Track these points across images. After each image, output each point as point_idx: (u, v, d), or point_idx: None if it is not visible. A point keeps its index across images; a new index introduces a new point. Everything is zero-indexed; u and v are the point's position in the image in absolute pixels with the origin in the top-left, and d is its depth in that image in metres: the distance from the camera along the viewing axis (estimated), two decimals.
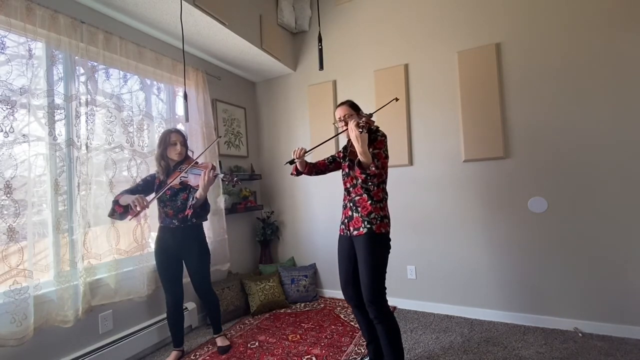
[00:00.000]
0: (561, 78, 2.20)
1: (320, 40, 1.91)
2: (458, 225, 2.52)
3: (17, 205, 1.59)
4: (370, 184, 1.61)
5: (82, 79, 1.90)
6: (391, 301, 2.51)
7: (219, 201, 2.71)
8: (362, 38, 2.92)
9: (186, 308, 2.41)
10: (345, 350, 2.08)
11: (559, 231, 2.21)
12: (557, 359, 1.86)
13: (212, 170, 1.88)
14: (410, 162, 2.69)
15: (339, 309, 2.77)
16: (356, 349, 2.10)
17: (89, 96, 1.92)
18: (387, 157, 1.67)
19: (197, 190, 1.93)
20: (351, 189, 1.72)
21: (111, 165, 2.04)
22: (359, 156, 1.52)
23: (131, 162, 2.16)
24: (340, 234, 1.79)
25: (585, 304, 2.15)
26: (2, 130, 1.56)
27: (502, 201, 2.37)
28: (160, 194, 1.93)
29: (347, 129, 1.69)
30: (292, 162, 1.85)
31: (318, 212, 3.13)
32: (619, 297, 2.06)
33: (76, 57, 1.88)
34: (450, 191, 2.55)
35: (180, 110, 2.64)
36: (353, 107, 1.78)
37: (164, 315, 2.17)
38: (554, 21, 2.22)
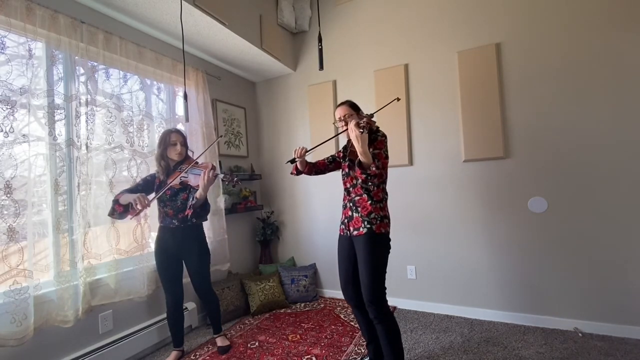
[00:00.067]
0: (561, 78, 2.20)
1: (320, 40, 1.91)
2: (458, 225, 2.52)
3: (17, 205, 1.59)
4: (370, 184, 1.61)
5: (82, 79, 1.90)
6: (391, 301, 2.51)
7: (219, 201, 2.71)
8: (362, 38, 2.92)
9: (186, 308, 2.41)
10: (345, 350, 2.08)
11: (559, 231, 2.21)
12: (557, 359, 1.86)
13: (212, 170, 1.88)
14: (410, 162, 2.69)
15: (339, 309, 2.77)
16: (356, 349, 2.10)
17: (89, 96, 1.92)
18: (387, 157, 1.67)
19: (197, 190, 1.93)
20: (351, 189, 1.72)
21: (111, 165, 2.04)
22: (360, 156, 1.52)
23: (131, 162, 2.16)
24: (340, 234, 1.79)
25: (585, 304, 2.15)
26: (2, 130, 1.56)
27: (502, 201, 2.37)
28: (160, 193, 1.93)
29: (347, 129, 1.69)
30: (293, 161, 1.85)
31: (318, 212, 3.13)
32: (619, 297, 2.06)
33: (76, 57, 1.88)
34: (450, 191, 2.55)
35: (180, 110, 2.64)
36: (353, 107, 1.78)
37: (164, 315, 2.17)
38: (554, 21, 2.22)
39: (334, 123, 1.87)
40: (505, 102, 2.36)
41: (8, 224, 1.55)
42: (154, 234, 2.11)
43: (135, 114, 2.22)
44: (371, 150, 1.59)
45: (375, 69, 2.84)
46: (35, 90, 1.69)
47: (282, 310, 2.80)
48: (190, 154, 2.14)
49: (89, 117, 1.90)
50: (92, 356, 1.83)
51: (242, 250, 3.21)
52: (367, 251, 1.60)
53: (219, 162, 2.85)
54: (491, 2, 2.41)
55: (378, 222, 1.62)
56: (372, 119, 1.55)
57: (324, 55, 2.07)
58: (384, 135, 1.70)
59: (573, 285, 2.18)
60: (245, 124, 3.31)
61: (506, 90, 2.36)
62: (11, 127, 1.59)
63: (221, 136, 2.95)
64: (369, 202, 1.64)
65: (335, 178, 2.84)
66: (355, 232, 1.66)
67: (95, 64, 1.99)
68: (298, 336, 2.31)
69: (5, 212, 1.56)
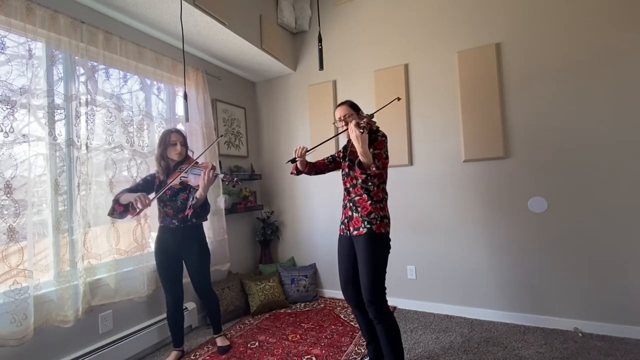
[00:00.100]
0: (561, 78, 2.20)
1: (320, 40, 1.91)
2: (458, 225, 2.52)
3: (17, 205, 1.59)
4: (370, 184, 1.61)
5: (82, 79, 1.90)
6: (391, 301, 2.51)
7: (219, 201, 2.71)
8: (362, 38, 2.92)
9: (186, 308, 2.41)
10: (345, 350, 2.08)
11: (559, 231, 2.21)
12: (557, 359, 1.86)
13: (212, 170, 1.88)
14: (410, 162, 2.69)
15: (339, 309, 2.77)
16: (356, 349, 2.10)
17: (89, 96, 1.92)
18: (387, 157, 1.67)
19: (197, 190, 1.93)
20: (351, 189, 1.72)
21: (111, 165, 2.04)
22: (360, 156, 1.52)
23: (131, 162, 2.16)
24: (340, 234, 1.79)
25: (585, 304, 2.15)
26: (2, 130, 1.56)
27: (502, 201, 2.37)
28: (161, 193, 1.93)
29: (347, 129, 1.69)
30: (293, 160, 1.85)
31: (318, 212, 3.13)
32: (619, 297, 2.06)
33: (76, 57, 1.88)
34: (450, 191, 2.55)
35: (180, 110, 2.64)
36: (353, 107, 1.78)
37: (164, 315, 2.17)
38: (554, 21, 2.22)
39: (334, 123, 1.87)
40: (505, 102, 2.36)
41: (8, 224, 1.55)
42: (154, 234, 2.11)
43: (135, 114, 2.22)
44: (371, 150, 1.59)
45: (375, 69, 2.84)
46: (35, 90, 1.69)
47: (282, 310, 2.80)
48: (190, 154, 2.14)
49: (89, 117, 1.90)
50: (92, 356, 1.83)
51: (242, 250, 3.21)
52: (367, 251, 1.60)
53: (219, 162, 2.85)
54: (491, 2, 2.41)
55: (378, 222, 1.62)
56: (373, 119, 1.55)
57: (324, 55, 2.08)
58: (384, 136, 1.70)
59: (573, 285, 2.18)
60: (245, 124, 3.31)
61: (506, 90, 2.36)
62: (11, 127, 1.59)
63: (222, 136, 2.95)
64: (369, 202, 1.64)
65: (335, 178, 2.84)
66: (355, 232, 1.66)
67: (95, 64, 1.99)
68: (298, 336, 2.31)
69: (5, 212, 1.56)
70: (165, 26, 2.30)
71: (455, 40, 2.53)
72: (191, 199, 1.95)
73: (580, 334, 2.10)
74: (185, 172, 1.94)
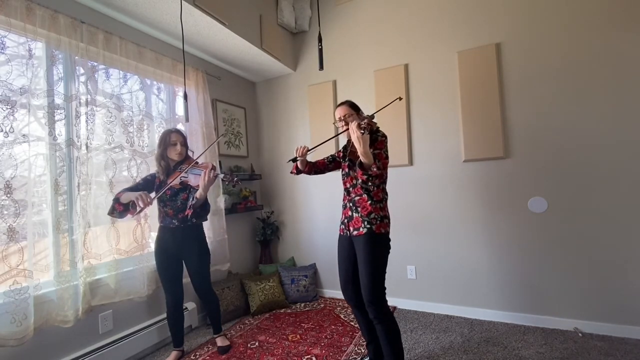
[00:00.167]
0: (561, 78, 2.20)
1: (320, 40, 1.91)
2: (458, 225, 2.52)
3: (17, 205, 1.59)
4: (370, 184, 1.61)
5: (82, 79, 1.90)
6: (391, 301, 2.51)
7: (219, 201, 2.71)
8: (362, 38, 2.92)
9: (186, 308, 2.41)
10: (345, 350, 2.08)
11: (559, 231, 2.21)
12: (557, 359, 1.86)
13: (212, 170, 1.88)
14: (410, 162, 2.69)
15: (339, 309, 2.77)
16: (356, 349, 2.10)
17: (89, 96, 1.92)
18: (387, 157, 1.67)
19: (197, 190, 1.93)
20: (351, 189, 1.72)
21: (111, 165, 2.04)
22: (361, 157, 1.52)
23: (131, 162, 2.16)
24: (340, 234, 1.79)
25: (585, 304, 2.15)
26: (2, 130, 1.56)
27: (502, 201, 2.37)
28: (161, 193, 1.93)
29: (347, 129, 1.69)
30: (294, 159, 1.85)
31: (318, 212, 3.13)
32: (619, 297, 2.06)
33: (76, 57, 1.88)
34: (450, 191, 2.55)
35: (180, 110, 2.64)
36: (353, 107, 1.78)
37: (164, 315, 2.17)
38: (554, 21, 2.22)
39: (334, 123, 1.87)
40: (505, 102, 2.36)
41: (8, 224, 1.55)
42: (154, 234, 2.11)
43: (135, 114, 2.22)
44: (371, 150, 1.59)
45: (375, 69, 2.84)
46: (35, 90, 1.69)
47: (282, 310, 2.80)
48: (190, 154, 2.14)
49: (89, 117, 1.90)
50: (92, 356, 1.83)
51: (242, 250, 3.21)
52: (367, 251, 1.60)
53: (219, 162, 2.85)
54: (491, 2, 2.41)
55: (378, 222, 1.62)
56: (373, 120, 1.55)
57: (324, 55, 2.07)
58: (384, 136, 1.70)
59: (573, 285, 2.18)
60: (245, 124, 3.31)
61: (506, 90, 2.36)
62: (11, 127, 1.59)
63: (222, 135, 2.95)
64: (369, 202, 1.64)
65: (335, 178, 2.84)
66: (355, 232, 1.66)
67: (95, 64, 1.99)
68: (298, 336, 2.31)
69: (5, 212, 1.56)
70: (165, 26, 2.30)
71: (455, 40, 2.53)
72: (191, 199, 1.95)
73: (580, 334, 2.10)
74: (185, 172, 1.94)
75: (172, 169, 2.03)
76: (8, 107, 1.58)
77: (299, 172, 1.93)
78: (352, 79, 2.97)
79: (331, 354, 2.05)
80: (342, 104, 1.80)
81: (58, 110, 1.80)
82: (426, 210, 2.64)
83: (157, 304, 2.28)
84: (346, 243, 1.74)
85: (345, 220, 1.73)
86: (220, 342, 2.19)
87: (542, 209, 2.25)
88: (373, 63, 2.86)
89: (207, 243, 2.18)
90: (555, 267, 2.22)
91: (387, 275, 1.65)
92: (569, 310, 2.19)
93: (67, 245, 1.81)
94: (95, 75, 1.98)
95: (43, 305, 1.68)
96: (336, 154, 1.99)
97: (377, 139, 1.66)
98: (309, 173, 1.94)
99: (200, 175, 1.89)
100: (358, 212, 1.66)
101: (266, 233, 3.23)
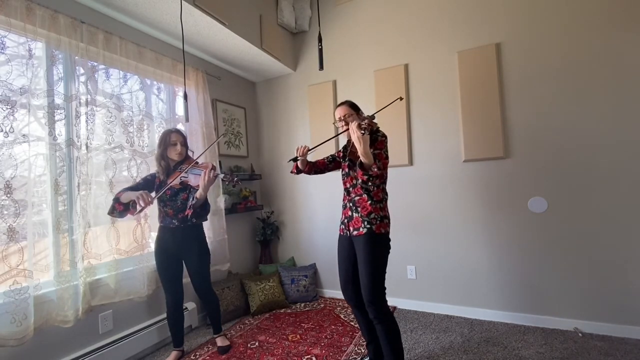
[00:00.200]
0: (561, 78, 2.20)
1: (320, 40, 1.91)
2: (458, 225, 2.52)
3: (17, 205, 1.59)
4: (370, 184, 1.61)
5: (82, 79, 1.90)
6: (391, 301, 2.51)
7: (219, 201, 2.71)
8: (362, 38, 2.92)
9: (186, 308, 2.41)
10: (345, 350, 2.08)
11: (559, 231, 2.21)
12: (557, 359, 1.86)
13: (212, 170, 1.88)
14: (410, 162, 2.69)
15: (339, 309, 2.77)
16: (356, 349, 2.10)
17: (89, 96, 1.92)
18: (387, 157, 1.67)
19: (197, 190, 1.93)
20: (351, 189, 1.72)
21: (111, 165, 2.04)
22: (361, 157, 1.52)
23: (131, 162, 2.16)
24: (340, 234, 1.79)
25: (585, 304, 2.15)
26: (2, 130, 1.56)
27: (502, 201, 2.37)
28: (161, 193, 1.93)
29: (347, 129, 1.69)
30: (295, 159, 1.86)
31: (318, 212, 3.13)
32: (619, 297, 2.06)
33: (76, 57, 1.88)
34: (450, 191, 2.55)
35: (180, 110, 2.64)
36: (353, 107, 1.78)
37: (164, 315, 2.17)
38: (554, 21, 2.22)
39: (334, 123, 1.87)
40: (505, 102, 2.36)
41: (8, 224, 1.55)
42: (154, 234, 2.11)
43: (135, 114, 2.22)
44: (372, 150, 1.59)
45: (375, 69, 2.84)
46: (35, 90, 1.69)
47: (282, 310, 2.80)
48: (190, 154, 2.14)
49: (89, 117, 1.90)
50: (92, 356, 1.83)
51: (242, 250, 3.21)
52: (367, 251, 1.60)
53: (219, 162, 2.85)
54: (491, 2, 2.41)
55: (378, 222, 1.62)
56: (373, 120, 1.55)
57: (324, 55, 2.07)
58: (384, 136, 1.70)
59: (573, 285, 2.18)
60: (245, 124, 3.31)
61: (506, 90, 2.36)
62: (11, 127, 1.59)
63: (222, 135, 2.95)
64: (369, 202, 1.64)
65: (335, 178, 2.84)
66: (355, 232, 1.66)
67: (95, 64, 1.99)
68: (298, 336, 2.31)
69: (5, 212, 1.56)
70: (165, 26, 2.30)
71: (455, 40, 2.53)
72: (191, 199, 1.95)
73: (580, 334, 2.10)
74: (186, 172, 1.94)
75: (172, 169, 2.03)
76: (8, 107, 1.58)
77: (299, 171, 1.94)
78: (352, 79, 2.97)
79: (331, 354, 2.05)
80: (342, 104, 1.80)
81: (58, 110, 1.80)
82: (426, 210, 2.64)
83: (157, 304, 2.28)
84: (346, 243, 1.74)
85: (345, 220, 1.73)
86: (220, 342, 2.19)
87: (542, 209, 2.25)
88: (373, 63, 2.86)
89: (207, 243, 2.18)
90: (555, 267, 2.22)
91: (387, 275, 1.65)
92: (569, 310, 2.19)
93: (67, 245, 1.81)
94: (95, 75, 1.98)
95: (43, 305, 1.68)
96: (336, 154, 1.99)
97: (377, 139, 1.66)
98: (309, 173, 1.94)
99: (200, 175, 1.89)
100: (358, 212, 1.66)
101: (266, 233, 3.23)
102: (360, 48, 2.93)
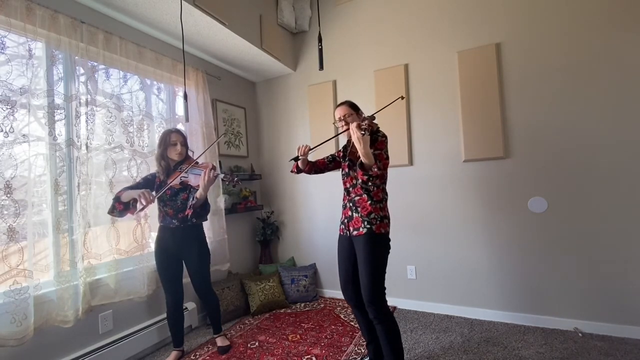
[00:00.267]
0: (561, 78, 2.20)
1: (320, 40, 1.91)
2: (458, 225, 2.52)
3: (17, 205, 1.59)
4: (370, 184, 1.61)
5: (82, 79, 1.90)
6: (391, 301, 2.51)
7: (219, 201, 2.71)
8: (362, 38, 2.92)
9: (186, 308, 2.41)
10: (345, 350, 2.08)
11: (559, 231, 2.21)
12: (557, 359, 1.86)
13: (212, 170, 1.88)
14: (410, 162, 2.69)
15: (339, 309, 2.77)
16: (356, 349, 2.10)
17: (89, 96, 1.92)
18: (387, 157, 1.67)
19: (197, 190, 1.93)
20: (351, 189, 1.72)
21: (111, 165, 2.04)
22: (361, 157, 1.52)
23: (131, 162, 2.16)
24: (340, 234, 1.79)
25: (585, 304, 2.15)
26: (2, 130, 1.56)
27: (502, 201, 2.37)
28: (161, 193, 1.93)
29: (347, 129, 1.69)
30: (296, 158, 1.86)
31: (318, 212, 3.13)
32: (619, 297, 2.06)
33: (76, 57, 1.88)
34: (450, 191, 2.55)
35: (180, 110, 2.64)
36: (353, 107, 1.78)
37: (164, 315, 2.17)
38: (554, 21, 2.22)
39: (334, 123, 1.87)
40: (505, 102, 2.36)
41: (8, 224, 1.55)
42: (154, 234, 2.11)
43: (135, 114, 2.22)
44: (372, 150, 1.59)
45: (375, 69, 2.84)
46: (35, 90, 1.69)
47: (282, 310, 2.80)
48: (190, 154, 2.14)
49: (89, 117, 1.90)
50: (92, 356, 1.83)
51: (242, 250, 3.21)
52: (367, 251, 1.60)
53: (219, 162, 2.85)
54: (491, 2, 2.41)
55: (378, 222, 1.62)
56: (374, 120, 1.55)
57: (324, 55, 2.07)
58: (385, 136, 1.70)
59: (573, 285, 2.18)
60: (245, 124, 3.31)
61: (506, 90, 2.36)
62: (11, 127, 1.59)
63: (222, 135, 2.95)
64: (369, 202, 1.64)
65: (335, 178, 2.84)
66: (355, 232, 1.66)
67: (95, 64, 1.99)
68: (298, 336, 2.31)
69: (5, 212, 1.56)
70: (165, 26, 2.30)
71: (455, 40, 2.53)
72: (191, 199, 1.95)
73: (580, 334, 2.10)
74: (186, 172, 1.94)
75: (172, 169, 2.03)
76: (8, 107, 1.58)
77: (299, 171, 1.94)
78: (352, 79, 2.97)
79: (331, 354, 2.05)
80: (342, 104, 1.80)
81: (58, 110, 1.80)
82: (426, 210, 2.64)
83: (157, 304, 2.28)
84: (346, 243, 1.74)
85: (345, 220, 1.73)
86: (220, 342, 2.19)
87: (542, 209, 2.25)
88: (373, 63, 2.86)
89: (207, 243, 2.18)
90: (555, 267, 2.22)
91: (387, 275, 1.65)
92: (569, 310, 2.19)
93: (67, 245, 1.81)
94: (95, 75, 1.98)
95: (43, 305, 1.68)
96: (336, 154, 1.99)
97: (377, 140, 1.66)
98: (309, 172, 1.95)
99: (200, 175, 1.89)
100: (358, 212, 1.66)
101: (266, 233, 3.23)
102: (360, 48, 2.93)
